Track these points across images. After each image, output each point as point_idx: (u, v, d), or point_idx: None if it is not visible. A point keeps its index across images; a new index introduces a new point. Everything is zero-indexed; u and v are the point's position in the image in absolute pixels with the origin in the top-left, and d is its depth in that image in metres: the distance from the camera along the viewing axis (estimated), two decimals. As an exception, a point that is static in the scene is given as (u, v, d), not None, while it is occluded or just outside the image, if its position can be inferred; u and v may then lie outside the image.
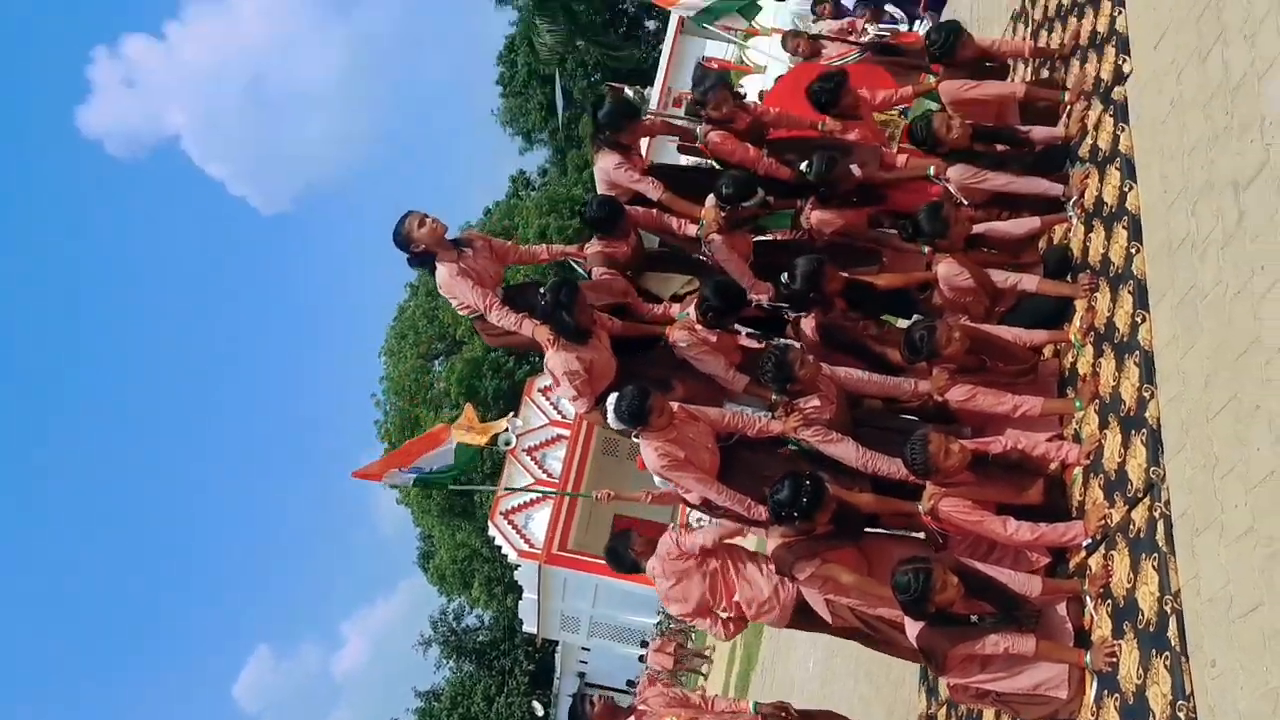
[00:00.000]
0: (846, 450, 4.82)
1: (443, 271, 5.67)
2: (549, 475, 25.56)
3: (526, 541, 25.89)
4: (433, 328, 40.35)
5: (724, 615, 5.41)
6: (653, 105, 27.02)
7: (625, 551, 5.57)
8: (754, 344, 5.76)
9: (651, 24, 41.45)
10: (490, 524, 26.56)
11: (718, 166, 6.46)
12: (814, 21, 10.88)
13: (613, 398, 4.95)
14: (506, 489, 24.62)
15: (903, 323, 5.81)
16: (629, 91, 29.44)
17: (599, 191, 6.40)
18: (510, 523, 26.04)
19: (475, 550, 37.75)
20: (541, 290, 5.45)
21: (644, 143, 10.11)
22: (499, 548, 27.36)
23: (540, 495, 25.60)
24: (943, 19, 9.47)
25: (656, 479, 5.33)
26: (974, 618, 4.08)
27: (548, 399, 26.41)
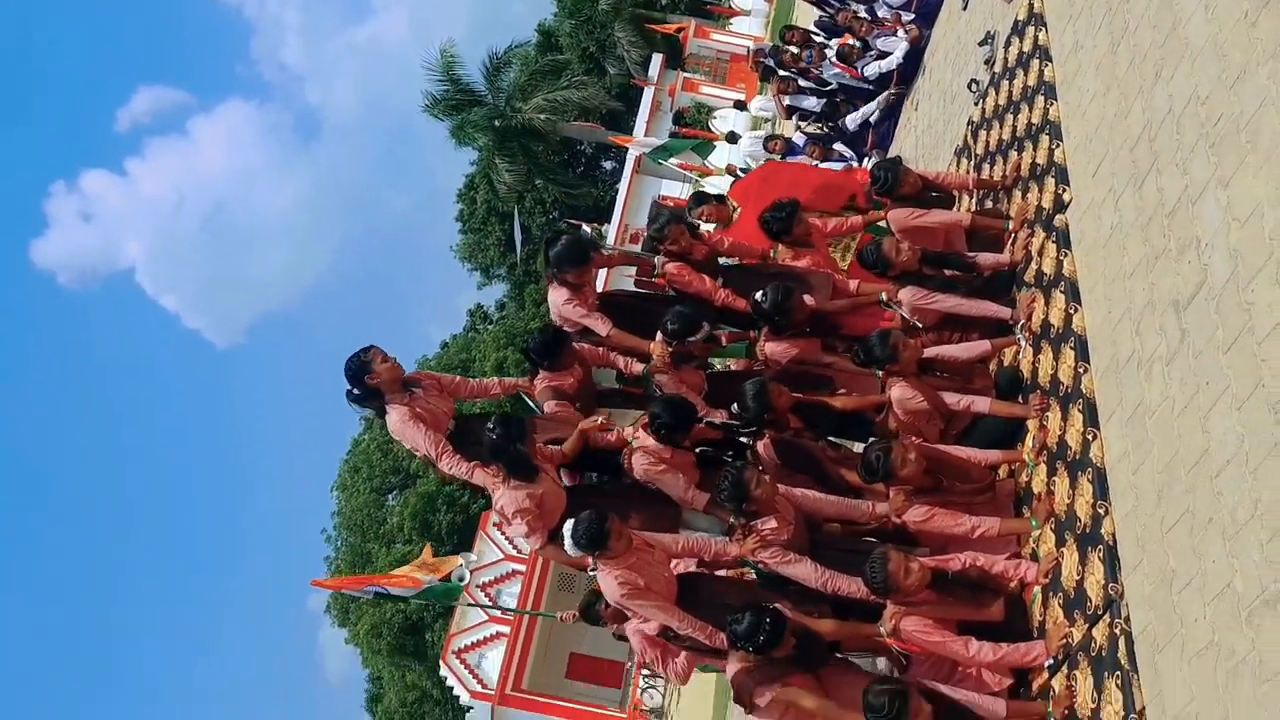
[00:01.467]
0: (805, 570, 4.76)
1: (394, 415, 5.57)
2: (504, 612, 24.94)
3: (479, 681, 25.05)
4: (386, 461, 39.92)
5: None
6: (610, 242, 27.59)
7: None
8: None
9: (609, 164, 42.71)
10: (442, 664, 25.74)
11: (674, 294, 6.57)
12: (766, 154, 11.29)
13: (569, 524, 4.87)
14: (485, 610, 23.95)
15: (858, 446, 5.84)
16: (586, 229, 30.13)
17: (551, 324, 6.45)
18: (463, 662, 25.24)
19: (425, 692, 36.49)
20: (489, 426, 5.40)
21: (602, 273, 10.29)
22: (450, 689, 26.49)
23: (495, 633, 24.99)
24: (889, 155, 9.87)
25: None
26: None
27: (503, 534, 25.99)
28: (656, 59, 33.58)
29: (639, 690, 23.66)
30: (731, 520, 5.08)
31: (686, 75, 33.31)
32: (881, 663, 5.29)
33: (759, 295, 5.88)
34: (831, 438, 6.06)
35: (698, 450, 5.61)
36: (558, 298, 6.18)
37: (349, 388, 5.58)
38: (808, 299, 6.01)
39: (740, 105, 19.84)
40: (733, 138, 18.95)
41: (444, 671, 25.76)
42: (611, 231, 29.00)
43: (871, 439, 5.43)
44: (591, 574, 5.08)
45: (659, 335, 5.93)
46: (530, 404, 6.33)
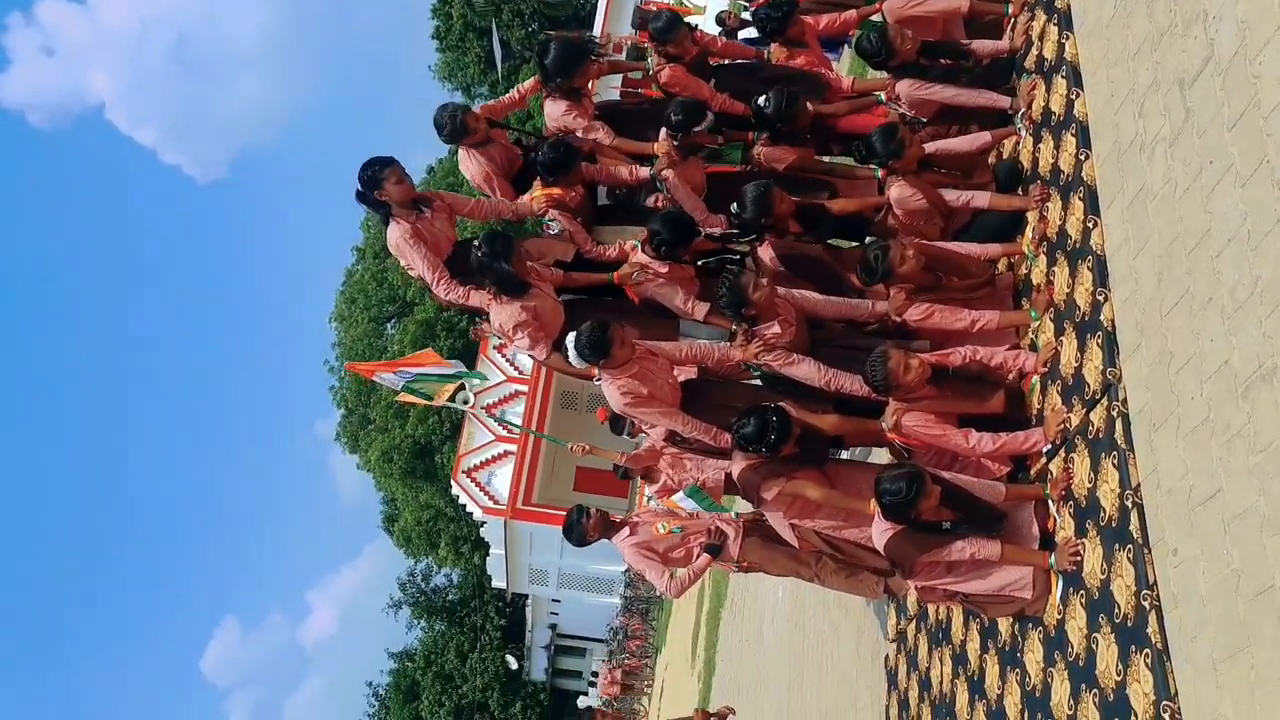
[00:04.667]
0: (809, 370, 4.83)
1: (395, 232, 5.50)
2: (509, 431, 25.54)
3: (491, 498, 25.95)
4: (382, 290, 40.00)
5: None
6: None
7: (578, 525, 5.81)
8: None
9: (587, -30, 40.87)
10: (453, 483, 26.57)
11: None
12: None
13: (572, 335, 4.90)
14: (506, 426, 24.44)
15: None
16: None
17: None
18: (474, 480, 26.06)
19: (440, 510, 37.79)
20: (475, 244, 5.35)
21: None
22: (463, 506, 27.44)
23: (503, 452, 25.66)
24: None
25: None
26: (945, 524, 4.14)
27: (503, 356, 26.32)
28: None
29: (645, 499, 24.45)
30: (732, 327, 5.12)
31: None
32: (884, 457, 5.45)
33: (761, 100, 5.74)
34: (831, 240, 6.04)
35: (697, 263, 5.60)
36: (556, 109, 6.01)
37: (359, 187, 5.50)
38: (809, 104, 5.87)
39: None
40: None
41: (456, 490, 26.63)
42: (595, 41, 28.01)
43: (870, 239, 5.42)
44: (596, 383, 5.15)
45: (663, 134, 5.81)
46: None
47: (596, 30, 28.56)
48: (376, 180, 5.40)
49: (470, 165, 5.94)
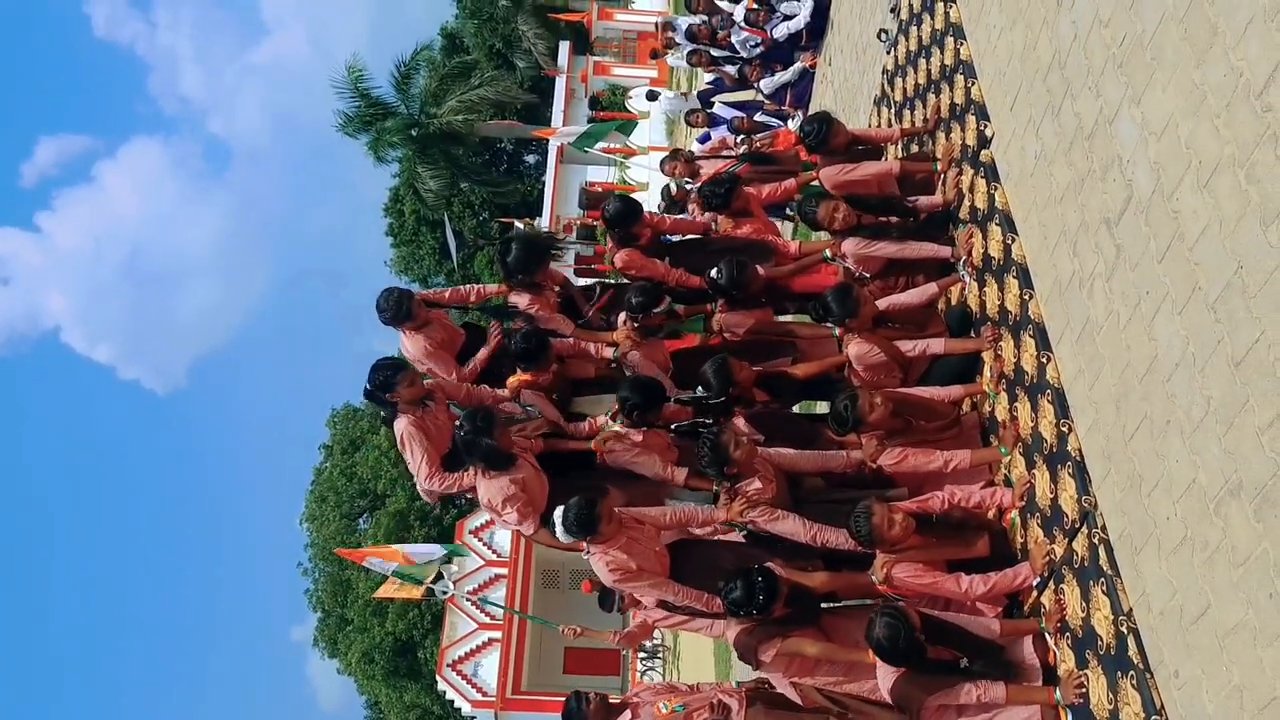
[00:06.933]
0: (794, 526, 4.87)
1: (400, 424, 5.66)
2: (493, 617, 24.94)
3: (478, 690, 25.04)
4: (352, 485, 39.56)
5: None
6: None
7: (578, 712, 5.66)
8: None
9: (531, 158, 42.51)
10: (439, 678, 25.68)
11: (619, 282, 6.67)
12: (689, 127, 11.37)
13: (559, 511, 4.94)
14: (487, 613, 23.84)
15: (825, 407, 5.96)
16: (519, 225, 30.01)
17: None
18: (459, 673, 25.19)
19: (426, 710, 36.37)
20: (456, 424, 5.48)
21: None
22: (451, 702, 26.43)
23: (488, 640, 24.98)
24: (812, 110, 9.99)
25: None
26: (962, 662, 4.14)
27: (479, 539, 25.93)
28: (564, 47, 33.49)
29: (638, 674, 23.84)
30: (714, 487, 5.18)
31: (596, 59, 33.24)
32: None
33: (714, 272, 5.99)
34: (799, 404, 6.19)
35: (672, 428, 5.70)
36: (520, 302, 6.25)
37: (369, 387, 5.67)
38: (759, 269, 6.13)
39: (652, 95, 19.66)
40: (652, 95, 18.98)
41: (442, 686, 25.69)
42: (544, 225, 28.95)
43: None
44: (585, 557, 5.15)
45: (622, 318, 6.03)
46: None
47: (545, 212, 29.57)
48: (389, 384, 5.59)
49: (410, 345, 6.14)
